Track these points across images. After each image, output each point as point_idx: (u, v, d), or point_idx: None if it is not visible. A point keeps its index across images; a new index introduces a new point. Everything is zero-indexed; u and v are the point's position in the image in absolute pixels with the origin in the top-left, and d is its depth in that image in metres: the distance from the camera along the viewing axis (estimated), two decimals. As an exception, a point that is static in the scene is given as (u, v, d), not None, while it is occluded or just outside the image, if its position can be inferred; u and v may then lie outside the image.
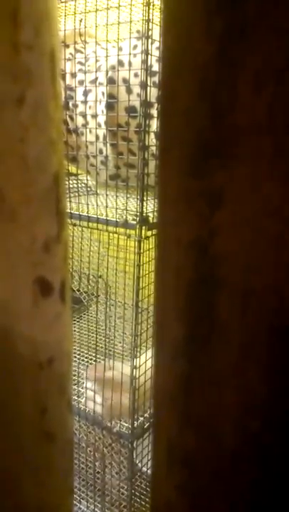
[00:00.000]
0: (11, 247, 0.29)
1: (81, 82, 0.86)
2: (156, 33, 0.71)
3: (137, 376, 0.81)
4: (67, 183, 0.92)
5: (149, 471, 0.92)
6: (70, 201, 0.87)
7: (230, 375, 0.29)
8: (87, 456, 0.98)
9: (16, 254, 0.30)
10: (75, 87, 0.85)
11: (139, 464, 0.94)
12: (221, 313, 0.29)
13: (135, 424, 0.84)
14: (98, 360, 0.96)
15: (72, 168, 1.00)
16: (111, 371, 0.88)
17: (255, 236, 0.27)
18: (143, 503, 0.95)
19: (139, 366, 0.81)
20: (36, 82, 0.29)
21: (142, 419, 0.87)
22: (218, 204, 0.28)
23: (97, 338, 0.95)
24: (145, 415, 0.88)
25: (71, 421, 0.36)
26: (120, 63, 0.80)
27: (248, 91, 0.26)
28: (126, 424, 0.85)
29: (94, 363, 0.96)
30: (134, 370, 0.81)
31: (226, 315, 0.29)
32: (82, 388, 0.95)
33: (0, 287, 0.30)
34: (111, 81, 0.81)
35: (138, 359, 0.81)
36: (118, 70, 0.79)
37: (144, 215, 0.76)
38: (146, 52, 0.70)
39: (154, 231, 0.78)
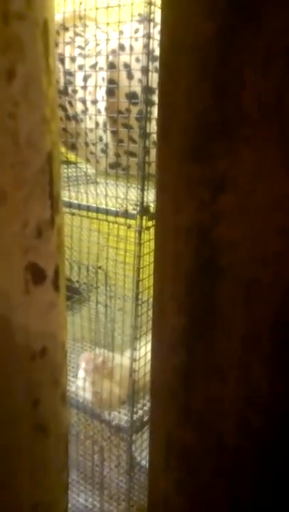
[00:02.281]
0: (0, 231, 0.28)
1: (81, 67, 0.84)
2: (158, 16, 0.69)
3: (137, 369, 0.80)
4: (66, 171, 0.91)
5: (147, 465, 0.91)
6: (69, 190, 0.85)
7: (232, 367, 0.28)
8: (86, 449, 0.98)
9: (7, 239, 0.28)
10: (75, 71, 0.83)
11: (138, 458, 0.93)
12: (222, 304, 0.28)
13: (134, 418, 0.83)
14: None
15: (72, 156, 0.98)
16: (106, 360, 0.87)
17: (259, 224, 0.26)
18: (141, 496, 0.95)
19: (139, 359, 0.80)
20: (28, 55, 0.27)
21: (140, 412, 0.86)
22: (220, 190, 0.27)
23: (96, 330, 0.93)
24: (144, 408, 0.87)
25: (66, 414, 0.35)
26: (121, 47, 0.77)
27: (254, 71, 0.25)
28: (125, 418, 0.84)
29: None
30: (134, 363, 0.79)
31: (228, 305, 0.27)
32: (80, 381, 0.94)
33: None
34: (111, 66, 0.79)
35: (137, 352, 0.79)
36: (119, 55, 0.77)
37: (145, 204, 0.75)
38: (149, 36, 0.68)
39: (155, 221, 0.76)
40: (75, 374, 0.95)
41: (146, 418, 0.86)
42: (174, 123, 0.29)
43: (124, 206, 0.77)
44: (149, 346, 0.81)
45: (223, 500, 0.31)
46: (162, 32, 0.29)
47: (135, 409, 0.84)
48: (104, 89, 0.81)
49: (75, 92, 0.85)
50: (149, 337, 0.81)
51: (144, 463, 0.94)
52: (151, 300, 0.83)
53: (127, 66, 0.76)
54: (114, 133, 0.83)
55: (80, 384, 0.90)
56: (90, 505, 0.98)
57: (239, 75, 0.25)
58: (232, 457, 0.29)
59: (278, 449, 0.28)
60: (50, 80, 0.29)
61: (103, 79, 0.82)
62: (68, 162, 0.97)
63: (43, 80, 0.28)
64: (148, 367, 0.82)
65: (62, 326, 0.34)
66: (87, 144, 0.86)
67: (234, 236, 0.27)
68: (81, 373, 0.91)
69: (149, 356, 0.81)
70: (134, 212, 0.75)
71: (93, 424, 0.93)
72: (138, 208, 0.75)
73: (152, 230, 0.78)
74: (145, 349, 0.81)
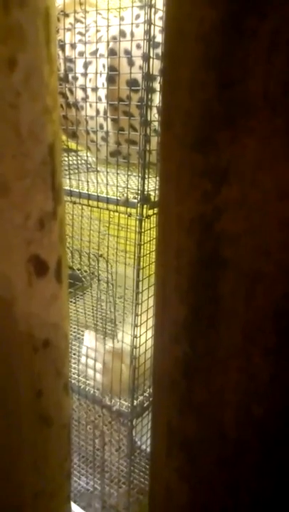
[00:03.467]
0: (3, 223, 0.28)
1: (81, 54, 0.83)
2: (159, 1, 0.68)
3: (137, 355, 0.81)
4: (66, 159, 0.90)
5: (148, 449, 0.93)
6: (70, 178, 0.85)
7: (234, 359, 0.28)
8: (87, 434, 0.99)
9: (9, 231, 0.28)
10: (75, 58, 0.82)
11: (139, 442, 0.95)
12: (225, 296, 0.28)
13: (135, 403, 0.84)
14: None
15: (72, 144, 0.97)
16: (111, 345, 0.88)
17: (263, 216, 0.25)
18: (142, 480, 0.97)
19: (140, 346, 0.81)
20: (29, 43, 0.26)
21: (141, 397, 0.87)
22: (224, 181, 0.26)
23: (97, 317, 0.94)
24: (145, 394, 0.88)
25: (68, 404, 0.36)
26: (122, 34, 0.77)
27: (259, 60, 0.24)
28: (125, 403, 0.85)
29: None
30: (134, 350, 0.80)
31: (230, 297, 0.28)
32: (82, 366, 0.95)
33: None
34: (112, 52, 0.78)
35: (138, 338, 0.80)
36: (120, 41, 0.76)
37: (146, 193, 0.75)
38: (150, 23, 0.67)
39: (156, 210, 0.77)
40: (77, 360, 0.96)
41: (146, 403, 0.88)
42: (177, 112, 0.28)
43: (125, 195, 0.77)
44: (149, 334, 0.82)
45: (224, 489, 0.31)
46: (166, 20, 0.29)
47: (136, 395, 0.85)
48: (104, 76, 0.80)
49: (75, 79, 0.84)
50: (149, 324, 0.82)
51: (144, 447, 0.96)
52: (151, 288, 0.83)
53: (127, 53, 0.75)
54: (115, 121, 0.82)
55: (88, 363, 0.90)
56: (91, 488, 1.00)
57: (244, 64, 0.24)
58: (233, 448, 0.30)
59: (280, 438, 0.28)
60: (51, 68, 0.29)
61: (104, 66, 0.81)
62: (69, 150, 0.97)
63: (44, 69, 0.28)
64: (148, 354, 0.83)
65: (65, 317, 0.34)
66: (87, 132, 0.86)
67: (237, 227, 0.26)
68: (89, 352, 0.91)
69: (149, 343, 0.82)
70: (135, 200, 0.75)
71: (94, 409, 0.94)
72: (138, 197, 0.75)
73: (153, 219, 0.78)
74: (146, 336, 0.82)
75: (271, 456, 0.29)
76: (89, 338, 0.94)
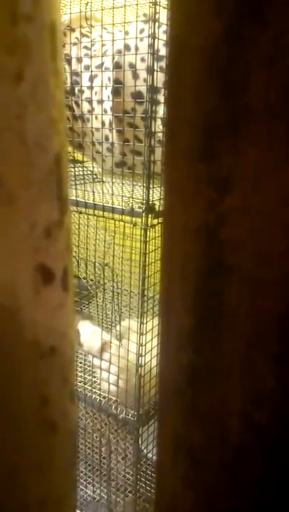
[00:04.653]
0: (9, 231, 0.28)
1: (87, 67, 0.85)
2: (163, 16, 0.69)
3: (143, 364, 0.81)
4: (72, 170, 0.92)
5: (154, 458, 0.92)
6: (76, 189, 0.86)
7: (238, 366, 0.29)
8: (94, 442, 0.99)
9: (15, 240, 0.29)
10: (81, 72, 0.84)
11: (145, 450, 0.94)
12: (229, 303, 0.28)
13: (140, 412, 0.84)
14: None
15: (78, 155, 0.99)
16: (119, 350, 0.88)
17: (266, 223, 0.26)
18: (148, 488, 0.96)
19: (145, 354, 0.81)
20: (36, 56, 0.27)
21: (147, 406, 0.87)
22: (227, 189, 0.27)
23: (102, 325, 0.95)
24: (150, 402, 0.88)
25: (74, 412, 0.36)
26: (127, 47, 0.78)
27: (261, 69, 0.24)
28: (132, 411, 0.85)
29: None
30: (140, 358, 0.81)
31: (234, 304, 0.28)
32: (88, 375, 0.95)
33: (0, 274, 0.29)
34: (117, 66, 0.80)
35: (144, 347, 0.81)
36: (124, 55, 0.77)
37: (151, 202, 0.76)
38: (153, 36, 0.68)
39: (160, 219, 0.77)
40: (83, 369, 0.96)
41: (152, 412, 0.88)
42: (181, 123, 0.28)
43: (130, 204, 0.78)
44: (154, 342, 0.82)
45: (230, 497, 0.31)
46: (169, 31, 0.29)
47: (142, 403, 0.85)
48: (110, 89, 0.82)
49: (81, 92, 0.86)
50: (155, 332, 0.83)
51: (151, 455, 0.95)
52: (156, 297, 0.84)
53: (132, 66, 0.77)
54: (120, 132, 0.83)
55: (104, 374, 0.90)
56: (98, 496, 1.00)
57: (246, 74, 0.25)
58: (237, 455, 0.30)
59: (285, 446, 0.28)
60: (57, 81, 0.29)
61: (109, 79, 0.83)
62: (75, 161, 0.98)
63: (50, 82, 0.28)
64: (154, 362, 0.83)
65: (71, 325, 0.34)
66: (93, 143, 0.87)
67: (241, 235, 0.27)
68: (103, 363, 0.91)
69: (154, 352, 0.82)
70: (140, 210, 0.76)
71: (100, 417, 0.94)
72: (144, 206, 0.76)
73: (158, 228, 0.79)
74: (151, 344, 0.82)
75: (276, 464, 0.29)
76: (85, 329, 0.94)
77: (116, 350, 0.90)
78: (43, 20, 0.27)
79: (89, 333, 0.94)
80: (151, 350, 0.83)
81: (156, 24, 0.68)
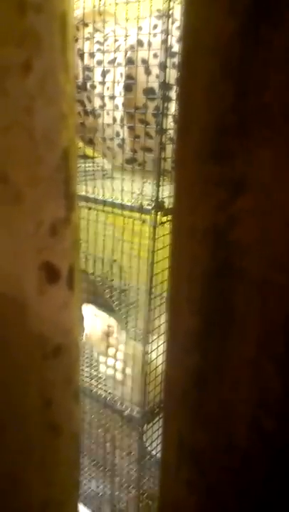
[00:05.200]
0: (15, 230, 0.28)
1: (99, 63, 0.85)
2: (177, 12, 0.69)
3: (149, 361, 0.81)
4: (83, 165, 0.91)
5: (158, 455, 0.93)
6: (86, 184, 0.86)
7: (246, 370, 0.28)
8: (98, 437, 1.00)
9: (21, 238, 0.28)
10: (93, 67, 0.84)
11: (149, 447, 0.95)
12: (238, 306, 0.28)
13: (145, 409, 0.85)
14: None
15: (89, 151, 0.99)
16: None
17: (277, 226, 0.25)
18: (152, 485, 0.97)
19: (151, 352, 0.81)
20: (45, 49, 0.26)
21: (152, 403, 0.87)
22: (239, 191, 0.26)
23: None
24: (155, 400, 0.88)
25: (78, 413, 0.35)
26: (139, 43, 0.78)
27: (275, 70, 0.24)
28: (137, 408, 0.86)
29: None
30: (146, 356, 0.81)
31: (243, 308, 0.28)
32: (94, 371, 0.95)
33: (5, 272, 0.29)
34: (130, 61, 0.79)
35: (150, 345, 0.81)
36: (137, 50, 0.77)
37: (160, 200, 0.75)
38: (167, 32, 0.68)
39: (170, 217, 0.77)
40: (89, 364, 0.97)
41: (157, 409, 0.88)
42: (193, 122, 0.28)
43: (140, 201, 0.77)
44: (160, 341, 0.82)
45: (234, 502, 0.31)
46: (183, 29, 0.28)
47: (146, 401, 0.85)
48: (122, 84, 0.82)
49: (93, 87, 0.85)
50: (162, 330, 0.83)
51: (154, 453, 0.96)
52: (164, 294, 0.83)
53: (144, 62, 0.77)
54: (131, 128, 0.83)
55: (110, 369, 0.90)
56: (101, 491, 1.00)
57: (261, 74, 0.24)
58: (243, 461, 0.30)
59: None
60: (67, 74, 0.28)
61: (121, 74, 0.82)
62: (85, 157, 0.98)
63: (60, 75, 0.27)
64: (159, 360, 0.83)
65: (76, 324, 0.33)
66: (104, 139, 0.87)
67: (251, 237, 0.26)
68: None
69: (160, 350, 0.82)
70: (149, 207, 0.76)
71: (105, 413, 0.95)
72: (153, 204, 0.76)
73: (166, 225, 0.78)
74: (157, 342, 0.82)
75: (282, 471, 0.28)
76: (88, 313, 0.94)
77: (119, 335, 0.90)
78: (53, 11, 0.26)
79: (92, 316, 0.94)
80: (157, 347, 0.83)
81: (170, 20, 0.67)
